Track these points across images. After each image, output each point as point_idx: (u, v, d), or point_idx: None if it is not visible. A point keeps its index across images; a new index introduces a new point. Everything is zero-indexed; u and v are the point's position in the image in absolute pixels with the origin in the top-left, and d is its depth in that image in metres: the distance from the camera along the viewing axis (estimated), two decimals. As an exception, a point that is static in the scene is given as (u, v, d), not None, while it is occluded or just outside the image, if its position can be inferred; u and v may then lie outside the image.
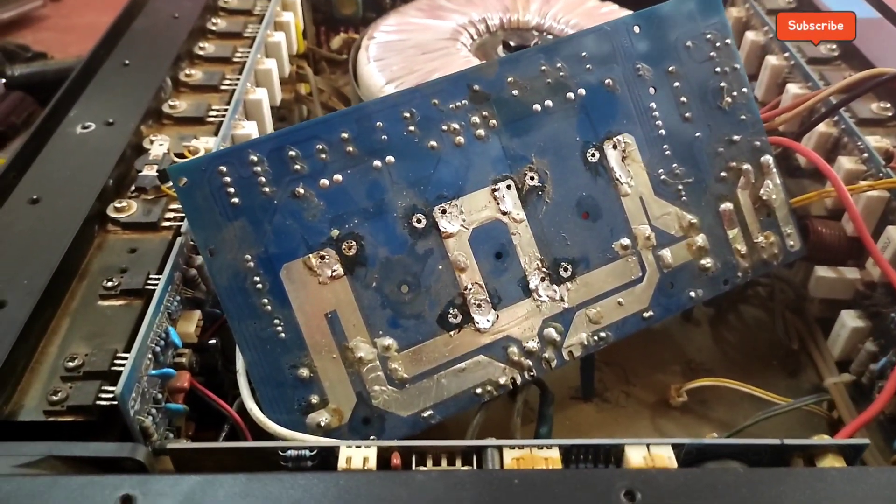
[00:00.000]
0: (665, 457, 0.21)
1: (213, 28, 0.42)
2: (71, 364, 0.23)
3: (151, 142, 0.32)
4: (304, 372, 0.25)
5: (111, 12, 0.42)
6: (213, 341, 0.26)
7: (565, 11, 0.45)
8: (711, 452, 0.22)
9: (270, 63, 0.39)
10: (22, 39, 0.67)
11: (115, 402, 0.22)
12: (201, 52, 0.39)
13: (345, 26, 0.54)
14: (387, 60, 0.41)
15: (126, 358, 0.22)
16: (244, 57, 0.39)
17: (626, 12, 0.45)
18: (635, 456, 0.21)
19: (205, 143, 0.32)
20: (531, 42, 0.41)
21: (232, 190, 0.24)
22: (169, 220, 0.28)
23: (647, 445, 0.21)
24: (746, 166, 0.30)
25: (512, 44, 0.41)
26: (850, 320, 0.31)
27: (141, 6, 0.43)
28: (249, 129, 0.35)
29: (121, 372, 0.22)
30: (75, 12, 0.76)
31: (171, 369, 0.24)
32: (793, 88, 0.37)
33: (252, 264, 0.25)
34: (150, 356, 0.23)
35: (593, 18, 0.44)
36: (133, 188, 0.30)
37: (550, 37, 0.44)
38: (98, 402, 0.22)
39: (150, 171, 0.30)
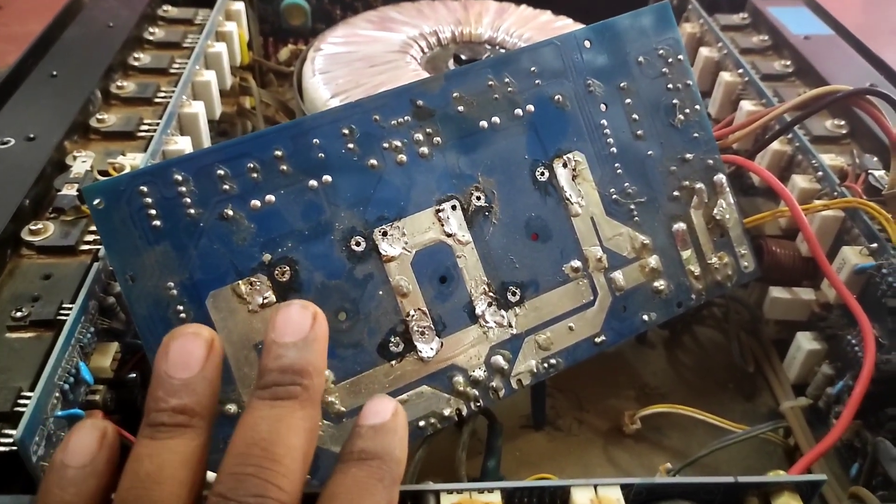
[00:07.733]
0: (613, 498, 0.20)
1: (151, 38, 0.40)
2: (-30, 404, 0.21)
3: (75, 158, 0.30)
4: (232, 407, 0.23)
5: (54, 21, 0.40)
6: (133, 375, 0.24)
7: (518, 25, 0.44)
8: (662, 492, 0.20)
9: (209, 74, 0.37)
10: (-43, 48, 0.64)
11: (15, 448, 0.19)
12: (136, 63, 0.37)
13: (293, 38, 0.52)
14: (332, 73, 0.39)
15: (29, 397, 0.20)
16: (182, 68, 0.37)
17: (581, 26, 0.44)
18: (581, 498, 0.20)
19: (132, 160, 0.30)
20: (483, 56, 0.40)
21: (154, 212, 0.23)
22: (88, 243, 0.26)
23: (595, 486, 0.20)
24: (699, 185, 0.30)
25: (463, 57, 0.40)
26: (805, 342, 0.30)
27: (74, 14, 0.41)
28: (183, 145, 0.32)
29: (23, 413, 0.20)
30: (16, 20, 0.73)
31: (79, 409, 0.22)
32: (747, 105, 0.37)
33: (175, 292, 0.23)
34: (57, 395, 0.21)
35: (546, 32, 0.43)
36: (51, 209, 0.28)
37: (503, 50, 0.43)
38: (-5, 448, 0.20)
39: (70, 191, 0.28)
